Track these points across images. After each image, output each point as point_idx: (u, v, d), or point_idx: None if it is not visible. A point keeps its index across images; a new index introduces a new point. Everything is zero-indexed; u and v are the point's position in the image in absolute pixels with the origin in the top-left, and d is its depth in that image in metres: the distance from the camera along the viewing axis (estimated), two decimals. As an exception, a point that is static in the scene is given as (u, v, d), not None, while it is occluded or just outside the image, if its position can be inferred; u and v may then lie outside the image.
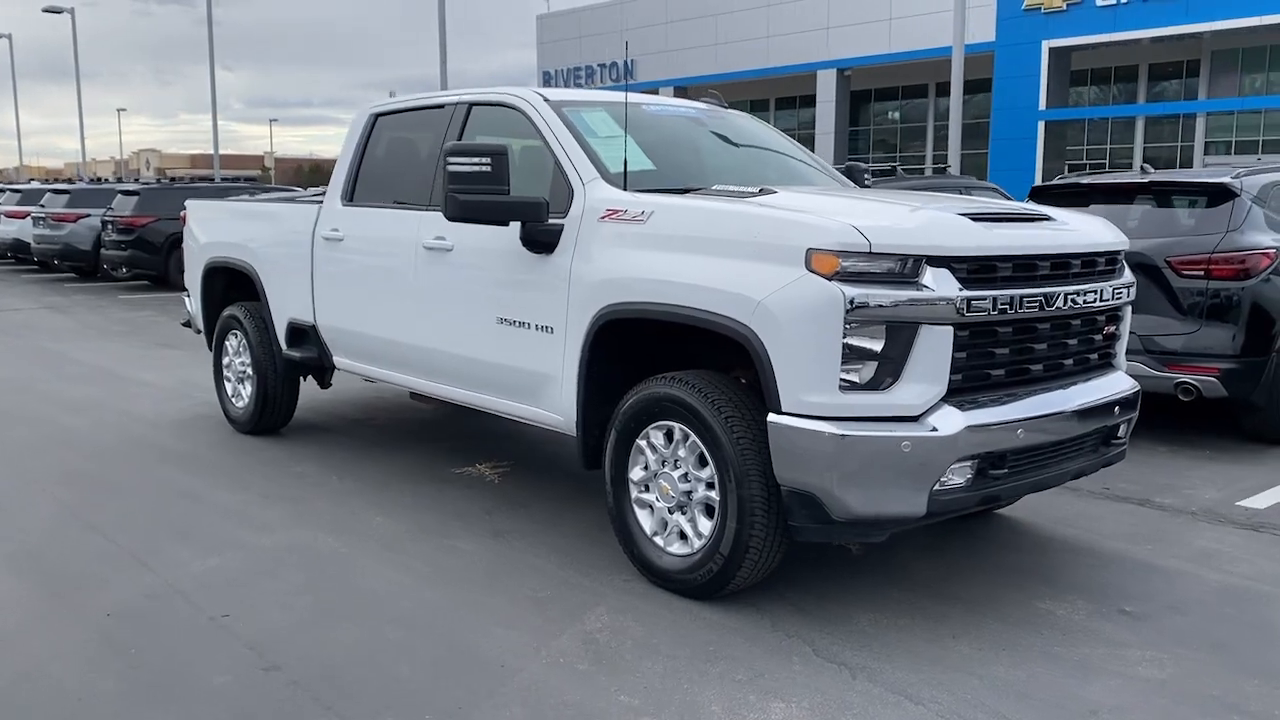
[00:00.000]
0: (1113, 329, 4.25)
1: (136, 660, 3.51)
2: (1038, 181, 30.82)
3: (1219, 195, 6.48)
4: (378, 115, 5.92)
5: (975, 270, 3.62)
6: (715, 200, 4.05)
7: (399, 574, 4.34)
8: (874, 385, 3.53)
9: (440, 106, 5.45)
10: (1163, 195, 6.83)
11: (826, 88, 36.06)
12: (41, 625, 3.81)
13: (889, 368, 3.53)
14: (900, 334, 3.51)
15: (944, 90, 39.31)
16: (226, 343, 7.01)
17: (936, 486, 3.57)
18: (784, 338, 3.55)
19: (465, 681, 3.36)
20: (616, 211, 4.24)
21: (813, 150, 29.84)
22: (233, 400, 6.99)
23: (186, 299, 7.57)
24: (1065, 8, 29.68)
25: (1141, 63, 33.98)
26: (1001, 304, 3.64)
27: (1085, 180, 7.22)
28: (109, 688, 3.31)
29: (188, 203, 7.55)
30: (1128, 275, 4.32)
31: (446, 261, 5.04)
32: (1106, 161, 35.67)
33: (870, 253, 3.49)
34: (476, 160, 4.37)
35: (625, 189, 4.36)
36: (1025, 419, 3.73)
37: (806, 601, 4.02)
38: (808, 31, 36.20)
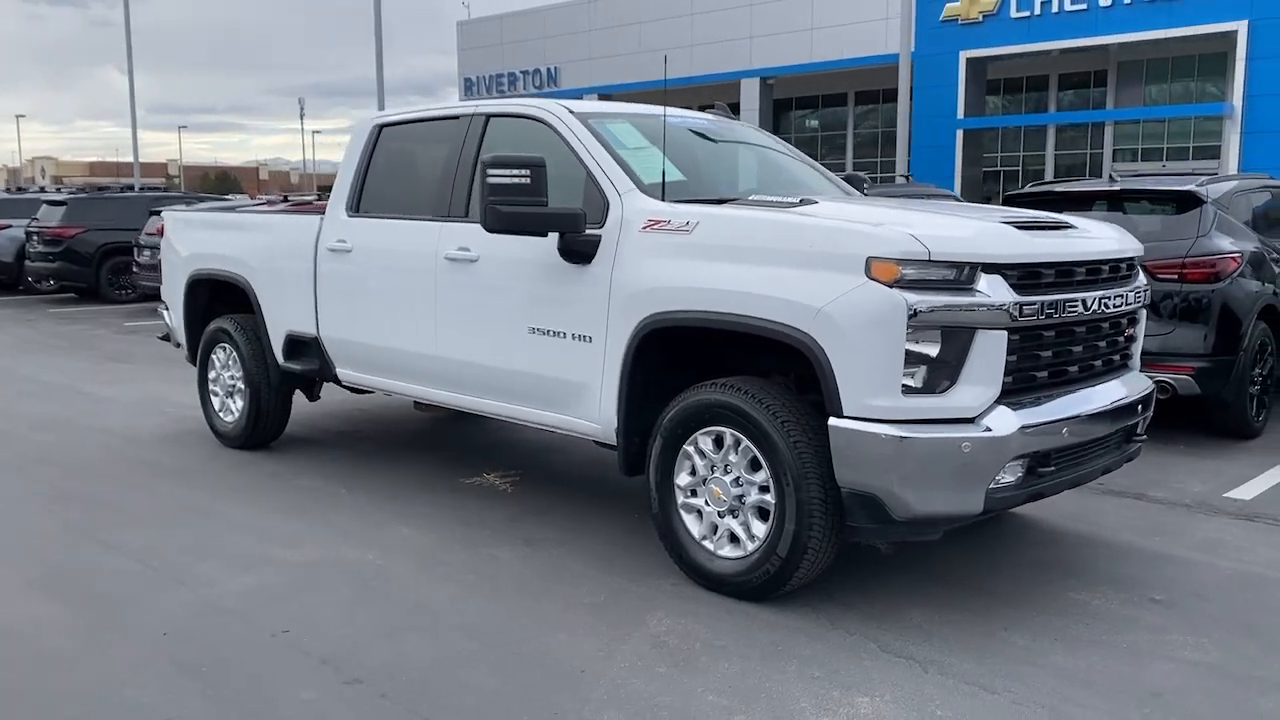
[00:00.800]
0: (1132, 331, 4.47)
1: (212, 679, 3.46)
2: (957, 188, 31.66)
3: (1186, 202, 6.82)
4: (382, 126, 5.89)
5: (1024, 277, 3.79)
6: (762, 210, 4.16)
7: (446, 585, 4.34)
8: (933, 389, 3.67)
9: (454, 118, 5.45)
10: (1131, 202, 7.15)
11: (750, 96, 36.52)
12: (96, 646, 3.73)
13: (946, 371, 3.67)
14: (957, 339, 3.65)
15: (862, 99, 40.28)
16: (213, 356, 6.88)
17: (992, 485, 3.73)
18: (846, 343, 3.66)
19: (552, 688, 3.40)
20: (659, 222, 4.32)
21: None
22: (220, 414, 6.87)
23: (165, 313, 7.40)
24: (981, 20, 30.59)
25: (1052, 73, 35.16)
26: (1048, 308, 3.82)
27: (1059, 188, 7.53)
28: (196, 707, 3.26)
29: (165, 214, 7.40)
30: (1143, 279, 4.54)
31: (472, 272, 5.05)
32: (1020, 168, 36.85)
33: (929, 260, 3.63)
34: (516, 172, 4.41)
35: (663, 200, 4.44)
36: (1068, 418, 3.91)
37: (855, 599, 4.14)
38: (731, 40, 36.66)
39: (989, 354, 3.69)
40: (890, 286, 3.62)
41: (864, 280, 3.66)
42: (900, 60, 19.72)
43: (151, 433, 7.28)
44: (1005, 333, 3.70)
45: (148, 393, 8.86)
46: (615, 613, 4.02)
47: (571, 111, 4.95)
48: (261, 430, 6.65)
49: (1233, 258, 6.57)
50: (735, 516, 4.13)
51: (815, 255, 3.80)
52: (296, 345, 6.24)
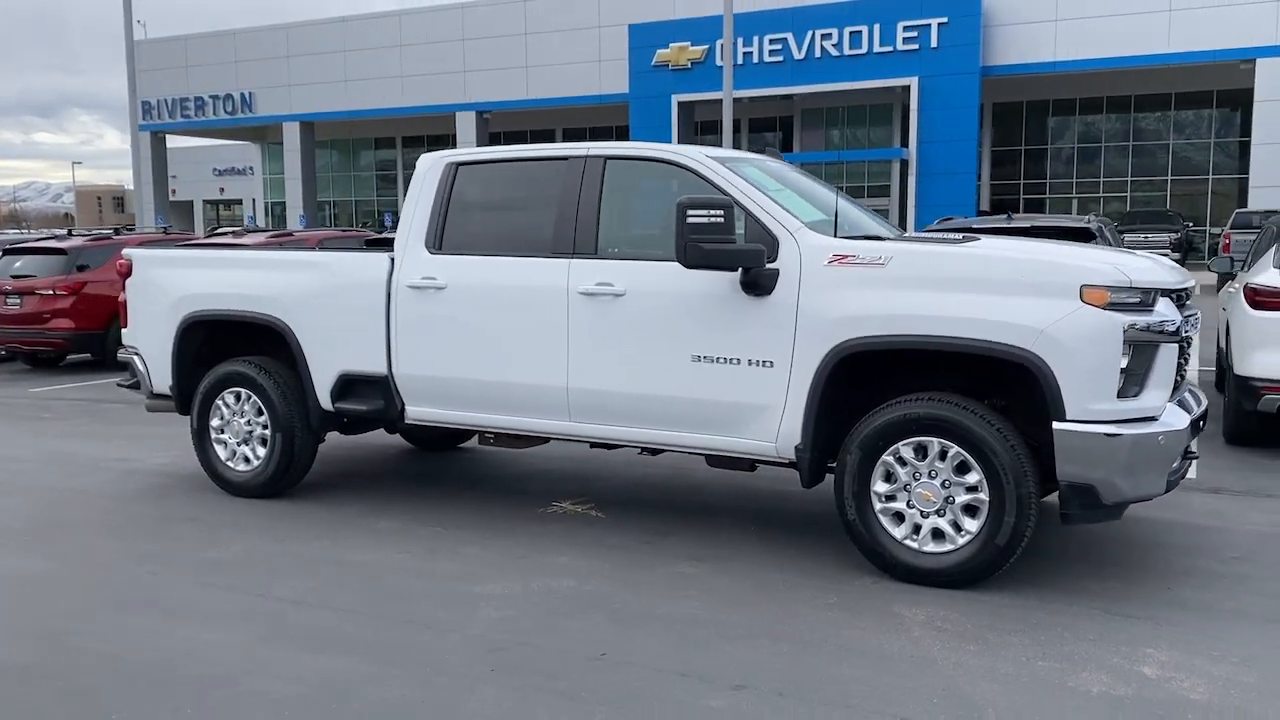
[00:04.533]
0: (1189, 346, 5.53)
1: (607, 698, 3.58)
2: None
3: (1083, 236, 8.20)
4: (458, 165, 5.92)
5: (1176, 299, 4.70)
6: (955, 247, 4.80)
7: (678, 601, 4.58)
8: (1128, 393, 4.47)
9: (562, 159, 5.63)
10: (1037, 237, 8.44)
11: (466, 129, 36.83)
12: (444, 688, 3.69)
13: (1139, 379, 4.48)
14: (1148, 351, 4.48)
15: (571, 135, 41.65)
16: (218, 403, 6.47)
17: (1169, 470, 4.58)
18: (1069, 358, 4.37)
19: (904, 671, 3.82)
20: (847, 257, 4.83)
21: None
22: (230, 463, 6.47)
23: (135, 359, 6.80)
24: (690, 66, 32.84)
25: (744, 118, 38.19)
26: (1188, 325, 4.75)
27: (976, 224, 8.72)
28: None
29: (133, 254, 6.83)
30: (1187, 302, 5.61)
31: (617, 306, 5.27)
32: (717, 203, 39.44)
33: (1130, 287, 4.44)
34: (711, 213, 4.77)
35: (835, 236, 4.97)
36: (1196, 415, 4.85)
37: (1032, 578, 4.82)
38: (445, 73, 36.81)
39: (1167, 362, 4.55)
40: (1102, 309, 4.38)
41: (1079, 305, 4.40)
42: (725, 100, 21.05)
43: (126, 490, 6.71)
44: (1176, 345, 4.58)
45: (48, 450, 8.02)
46: (862, 609, 4.47)
47: (712, 158, 5.33)
48: (291, 476, 6.36)
49: (1127, 283, 7.99)
50: (942, 515, 4.71)
51: (1029, 284, 4.49)
52: (353, 385, 6.07)
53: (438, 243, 5.84)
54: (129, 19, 23.85)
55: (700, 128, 37.96)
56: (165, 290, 6.61)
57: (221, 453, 6.51)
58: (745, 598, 4.63)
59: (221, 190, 57.75)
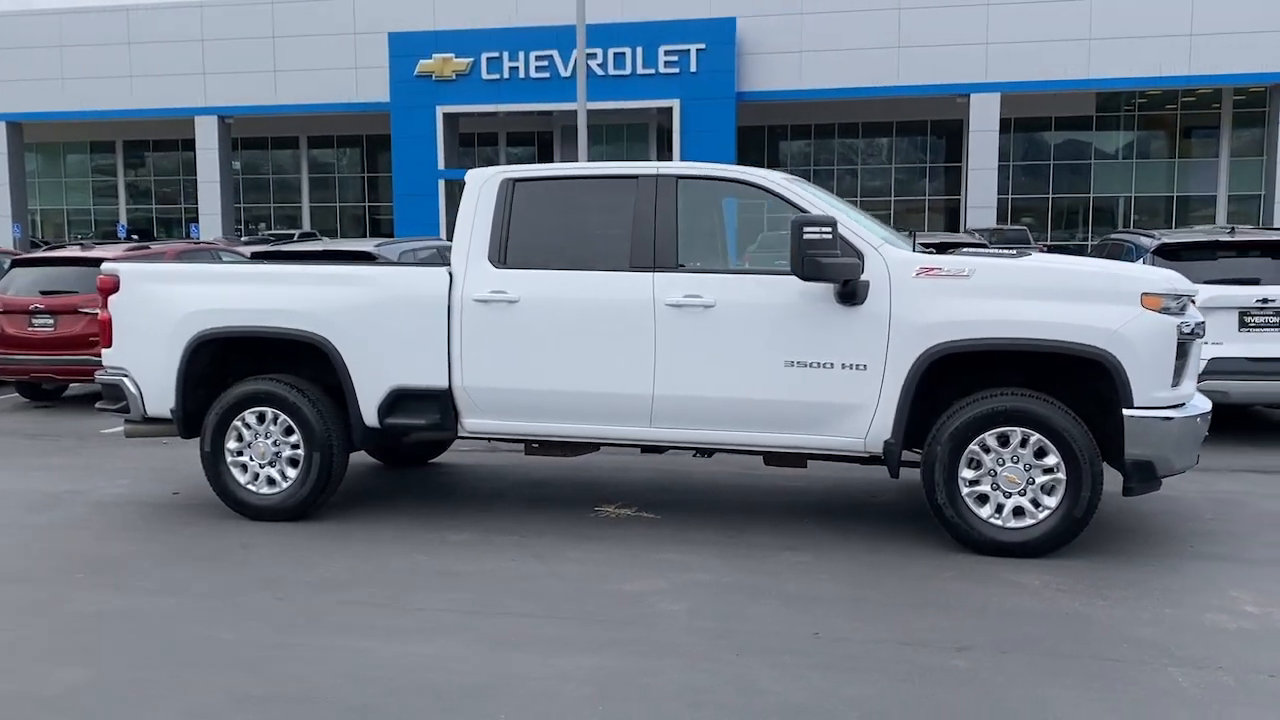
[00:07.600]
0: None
1: (869, 668, 3.95)
2: (442, 236, 33.30)
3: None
4: (515, 181, 6.00)
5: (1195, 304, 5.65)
6: (1028, 260, 5.51)
7: (818, 583, 4.99)
8: (1175, 383, 5.34)
9: (631, 177, 5.85)
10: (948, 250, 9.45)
11: (206, 133, 34.67)
12: (732, 678, 3.91)
13: (1180, 371, 5.36)
14: (1187, 347, 5.37)
15: (316, 143, 40.24)
16: (236, 424, 6.15)
17: (1198, 446, 5.50)
18: (1137, 354, 5.17)
19: (1086, 627, 4.44)
20: (934, 269, 5.42)
21: (197, 200, 31.46)
22: (251, 486, 6.17)
23: (125, 381, 6.30)
24: (455, 78, 32.64)
25: (501, 131, 38.42)
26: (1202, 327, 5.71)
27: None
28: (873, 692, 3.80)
29: (121, 269, 6.33)
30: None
31: (709, 316, 5.58)
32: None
33: (1176, 294, 5.31)
34: (822, 230, 5.23)
35: (914, 251, 5.55)
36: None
37: (1089, 546, 5.58)
38: (182, 75, 34.53)
39: (1196, 357, 5.47)
40: (1158, 313, 5.23)
41: (1140, 310, 5.22)
42: (580, 111, 20.83)
43: (123, 523, 6.27)
44: (1200, 342, 5.51)
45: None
46: (982, 579, 5.04)
47: (788, 179, 5.78)
48: (325, 496, 6.17)
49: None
50: (1023, 495, 5.38)
51: (1097, 292, 5.26)
52: (403, 400, 5.99)
53: (501, 257, 5.90)
54: None
55: (462, 140, 37.83)
56: (167, 307, 6.20)
57: (241, 477, 6.19)
58: (871, 578, 5.09)
59: (-108, 196, 50.84)
